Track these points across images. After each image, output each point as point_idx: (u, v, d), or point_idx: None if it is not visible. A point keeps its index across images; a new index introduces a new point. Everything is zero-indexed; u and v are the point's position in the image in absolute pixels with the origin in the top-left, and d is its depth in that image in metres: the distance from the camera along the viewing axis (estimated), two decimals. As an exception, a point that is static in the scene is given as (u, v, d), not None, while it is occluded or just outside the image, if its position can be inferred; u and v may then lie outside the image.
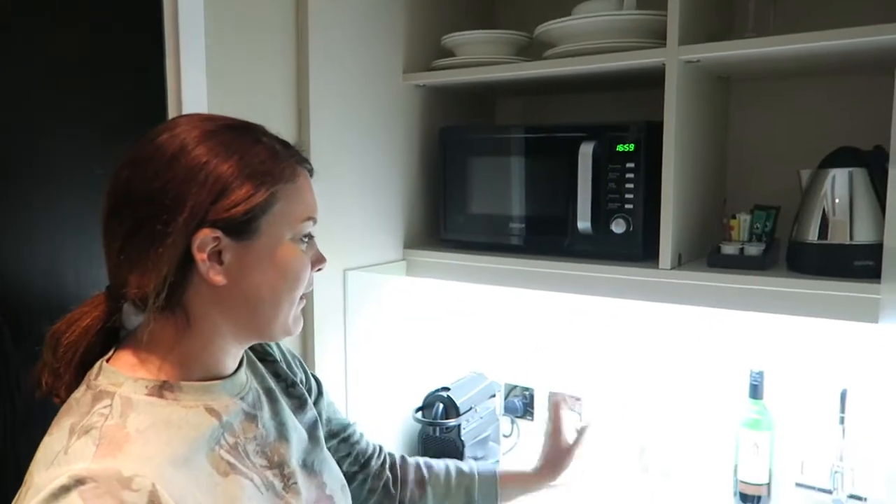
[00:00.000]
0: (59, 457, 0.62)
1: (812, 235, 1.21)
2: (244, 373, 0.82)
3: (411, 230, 1.69)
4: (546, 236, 1.49)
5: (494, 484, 1.13)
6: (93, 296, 0.77)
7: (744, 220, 1.35)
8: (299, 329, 0.81)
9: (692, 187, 1.36)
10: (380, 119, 1.57)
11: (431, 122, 1.71)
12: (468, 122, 1.81)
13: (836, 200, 1.20)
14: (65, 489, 0.59)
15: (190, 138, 0.71)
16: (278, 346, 0.97)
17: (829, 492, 1.44)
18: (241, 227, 0.71)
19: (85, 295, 0.77)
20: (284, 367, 0.94)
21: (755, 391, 1.51)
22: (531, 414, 1.88)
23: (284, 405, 0.88)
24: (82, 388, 0.71)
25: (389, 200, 1.63)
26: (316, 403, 1.00)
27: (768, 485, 1.53)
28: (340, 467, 1.02)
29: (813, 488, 1.47)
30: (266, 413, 0.83)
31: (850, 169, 1.19)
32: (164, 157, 0.70)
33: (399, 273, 1.66)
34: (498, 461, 1.16)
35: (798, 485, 1.48)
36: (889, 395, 0.86)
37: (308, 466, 0.86)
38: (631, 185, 1.35)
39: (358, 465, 1.07)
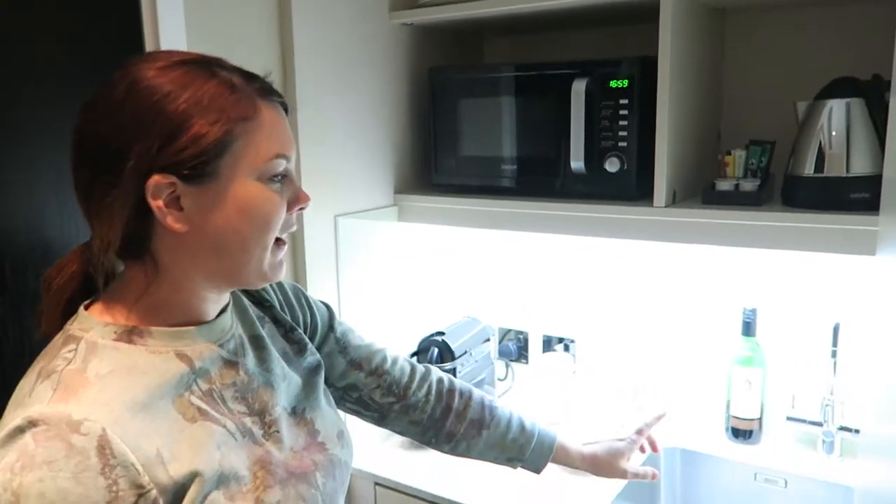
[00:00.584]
0: (24, 399, 0.64)
1: (808, 169, 1.20)
2: (227, 319, 0.78)
3: (402, 175, 1.67)
4: (539, 177, 1.47)
5: (549, 452, 1.08)
6: (70, 252, 0.75)
7: (739, 155, 1.33)
8: (279, 276, 0.76)
9: (687, 123, 1.34)
10: (367, 61, 1.53)
11: (420, 63, 1.67)
12: (457, 63, 1.77)
13: (833, 133, 1.19)
14: (19, 430, 0.60)
15: (139, 77, 0.67)
16: (278, 288, 0.93)
17: (820, 424, 1.47)
18: (195, 171, 0.67)
19: (69, 246, 0.76)
20: (283, 311, 0.90)
21: (748, 328, 1.52)
22: (525, 357, 1.90)
23: (274, 352, 0.84)
24: (60, 332, 0.70)
25: (379, 145, 1.60)
26: (325, 341, 0.97)
27: (760, 419, 1.55)
28: (373, 400, 1.00)
29: (804, 421, 1.49)
30: (250, 360, 0.80)
31: (848, 100, 1.17)
32: (113, 99, 0.67)
33: (390, 219, 1.64)
34: (555, 428, 1.09)
35: (789, 418, 1.50)
36: (884, 326, 0.86)
37: (297, 413, 0.83)
38: (625, 123, 1.32)
39: (393, 395, 1.01)
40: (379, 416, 1.03)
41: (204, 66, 0.70)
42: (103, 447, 0.60)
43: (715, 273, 1.59)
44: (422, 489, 1.39)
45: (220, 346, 0.76)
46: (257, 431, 0.76)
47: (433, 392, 1.04)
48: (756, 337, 1.51)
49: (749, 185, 1.26)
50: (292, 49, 1.36)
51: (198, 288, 0.73)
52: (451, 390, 1.05)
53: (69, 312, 0.72)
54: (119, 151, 0.65)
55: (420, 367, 1.06)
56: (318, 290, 1.47)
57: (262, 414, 0.77)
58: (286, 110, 0.75)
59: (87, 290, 0.74)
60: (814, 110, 1.21)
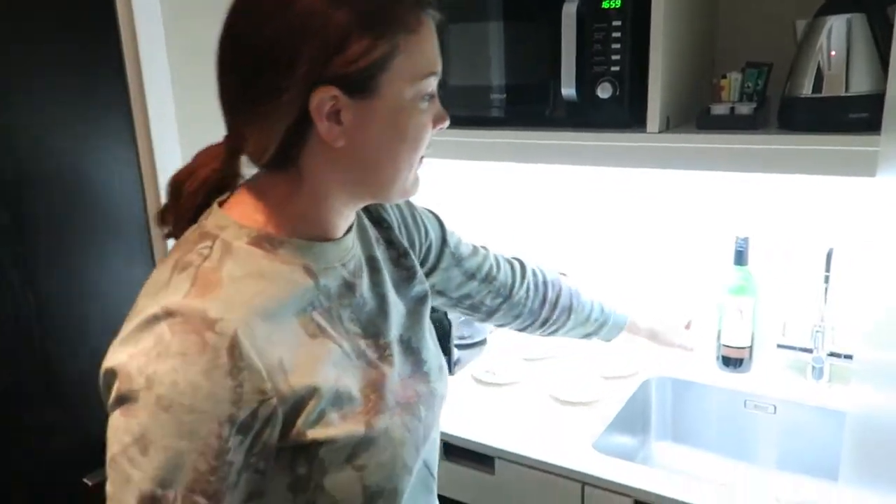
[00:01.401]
0: (161, 289, 0.64)
1: (806, 89, 1.16)
2: (351, 237, 0.78)
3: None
4: (528, 106, 1.42)
5: (622, 328, 1.26)
6: (210, 146, 0.74)
7: (734, 78, 1.29)
8: (417, 191, 0.76)
9: (682, 46, 1.29)
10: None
11: (403, -12, 1.59)
12: (442, -12, 1.69)
13: (833, 52, 1.14)
14: (156, 318, 0.62)
15: None
16: (397, 209, 0.92)
17: (810, 351, 1.47)
18: (360, 85, 0.65)
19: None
20: (399, 233, 0.89)
21: (740, 257, 1.51)
22: (516, 292, 1.88)
23: (387, 277, 0.83)
24: (194, 226, 0.71)
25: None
26: (441, 256, 0.99)
27: (750, 347, 1.56)
28: (484, 304, 1.07)
29: (794, 348, 1.50)
30: (365, 283, 0.79)
31: (849, 15, 1.13)
32: (273, 1, 0.64)
33: (376, 153, 1.59)
34: (626, 309, 1.29)
35: (780, 346, 1.51)
36: (882, 248, 0.84)
37: (405, 342, 0.83)
38: (618, 46, 1.27)
39: (501, 297, 1.09)
40: (487, 315, 1.11)
41: None
42: (234, 348, 0.61)
43: (707, 202, 1.57)
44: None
45: (343, 265, 0.75)
46: (371, 354, 0.76)
47: (531, 288, 1.13)
48: (748, 266, 1.50)
49: (745, 109, 1.22)
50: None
51: (337, 202, 0.73)
52: (545, 282, 1.15)
53: (200, 213, 0.72)
54: (288, 55, 0.63)
55: (516, 264, 1.13)
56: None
57: (376, 337, 0.77)
58: (437, 23, 0.72)
59: (221, 190, 0.73)
60: (813, 28, 1.16)
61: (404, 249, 0.88)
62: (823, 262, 1.41)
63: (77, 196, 1.08)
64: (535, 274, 1.15)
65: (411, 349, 0.83)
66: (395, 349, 0.80)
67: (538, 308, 1.14)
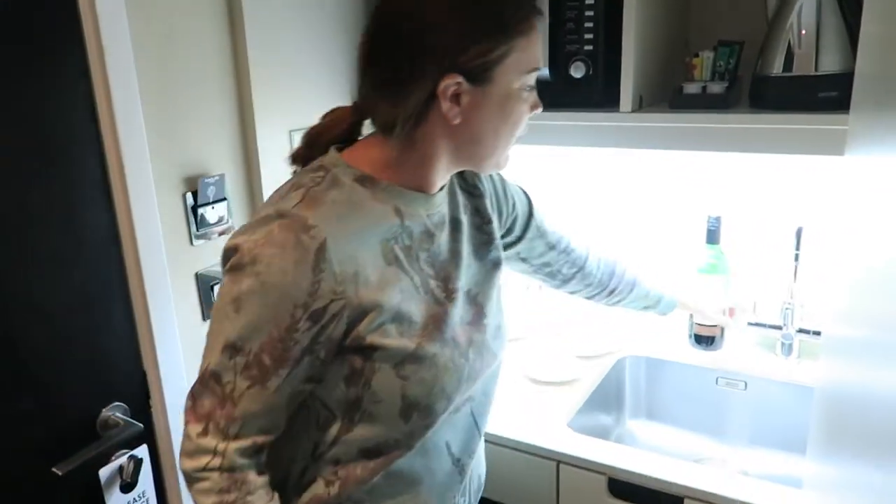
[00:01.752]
0: (279, 200, 0.82)
1: (776, 68, 1.17)
2: (441, 196, 0.91)
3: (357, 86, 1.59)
4: (502, 86, 1.41)
5: (673, 307, 1.37)
6: (337, 108, 0.91)
7: (707, 57, 1.29)
8: (507, 166, 0.92)
9: (655, 25, 1.29)
10: (317, -38, 1.43)
11: (374, -35, 1.57)
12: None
13: (803, 30, 1.15)
14: (269, 218, 0.79)
15: None
16: (490, 182, 1.04)
17: (780, 328, 1.50)
18: (480, 76, 0.80)
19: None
20: (489, 203, 1.01)
21: (712, 236, 1.52)
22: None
23: (466, 238, 0.95)
24: (313, 162, 0.88)
25: (334, 53, 1.52)
26: (527, 227, 1.12)
27: (722, 326, 1.58)
28: (560, 272, 1.21)
29: (764, 325, 1.52)
30: (445, 237, 0.92)
31: (819, -6, 1.13)
32: (431, 9, 0.79)
33: (349, 134, 1.58)
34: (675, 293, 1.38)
35: (750, 324, 1.53)
36: (850, 226, 0.85)
37: (472, 295, 0.95)
38: (591, 25, 1.27)
39: (576, 267, 1.22)
40: (562, 282, 1.24)
41: None
42: (320, 251, 0.77)
43: (679, 182, 1.58)
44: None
45: (428, 216, 0.89)
46: (439, 293, 0.89)
47: (602, 262, 1.25)
48: (720, 245, 1.52)
49: (717, 88, 1.23)
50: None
51: (439, 165, 0.87)
52: (614, 260, 1.28)
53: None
54: (431, 46, 0.78)
55: (590, 242, 1.26)
56: (276, 208, 1.42)
57: (446, 281, 0.90)
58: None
59: (344, 141, 0.90)
60: (784, 6, 1.17)
61: (489, 218, 1.00)
62: (793, 240, 1.42)
63: (35, 177, 1.06)
64: (600, 251, 1.27)
65: (476, 302, 0.95)
66: (461, 297, 0.92)
67: (606, 279, 1.26)
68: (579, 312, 1.68)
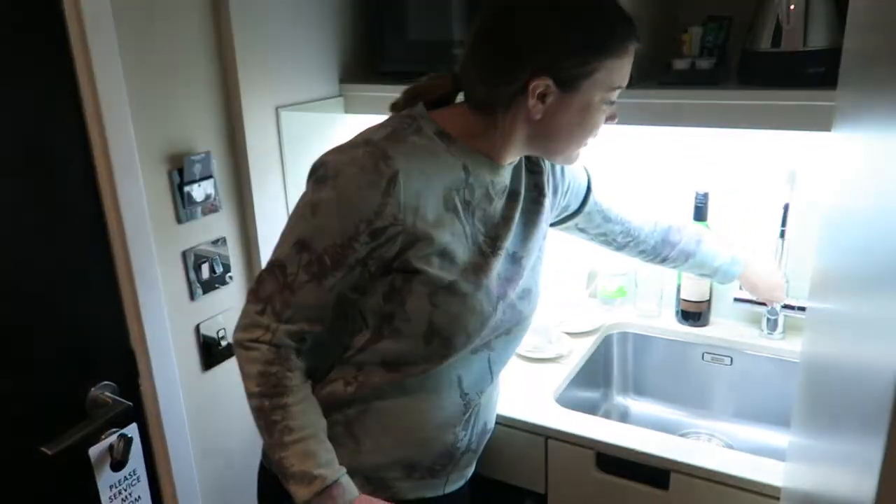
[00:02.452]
0: (370, 132, 0.95)
1: (765, 43, 1.16)
2: (508, 171, 1.01)
3: (347, 63, 1.58)
4: (490, 62, 1.40)
5: (734, 278, 1.40)
6: (437, 75, 1.01)
7: (696, 33, 1.28)
8: (574, 162, 1.02)
9: (645, 2, 1.27)
10: (302, -65, 1.41)
11: (360, -62, 1.54)
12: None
13: (792, 6, 1.14)
14: (357, 144, 0.92)
15: None
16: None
17: (765, 304, 1.51)
18: (568, 83, 0.89)
19: None
20: (546, 180, 1.09)
21: (699, 213, 1.52)
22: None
23: (519, 207, 1.04)
24: (406, 110, 0.98)
25: (321, 29, 1.50)
26: (585, 201, 1.22)
27: (708, 301, 1.59)
28: (615, 241, 1.30)
29: (749, 301, 1.53)
30: (501, 203, 1.01)
31: (808, -31, 1.12)
32: (544, 4, 0.89)
33: (337, 110, 1.56)
34: (739, 266, 1.40)
35: (736, 300, 1.54)
36: (836, 202, 0.86)
37: (515, 257, 1.04)
38: (579, 0, 1.25)
39: (630, 237, 1.31)
40: (617, 248, 1.33)
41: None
42: (392, 179, 0.88)
43: (667, 158, 1.58)
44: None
45: (492, 182, 0.99)
46: (486, 248, 0.99)
47: (657, 230, 1.33)
48: (707, 221, 1.52)
49: (705, 63, 1.23)
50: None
51: (512, 148, 0.97)
52: (670, 229, 1.34)
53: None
54: (535, 47, 0.87)
55: (650, 213, 1.33)
56: (263, 188, 1.41)
57: (494, 239, 1.00)
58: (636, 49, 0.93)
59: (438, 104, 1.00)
60: (774, -19, 1.16)
61: (545, 193, 1.09)
62: (780, 217, 1.43)
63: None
64: (661, 221, 1.34)
65: (518, 262, 1.05)
66: (504, 255, 1.01)
67: (661, 248, 1.34)
68: (567, 286, 1.69)
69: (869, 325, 0.56)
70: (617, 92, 0.94)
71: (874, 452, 0.45)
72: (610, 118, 0.97)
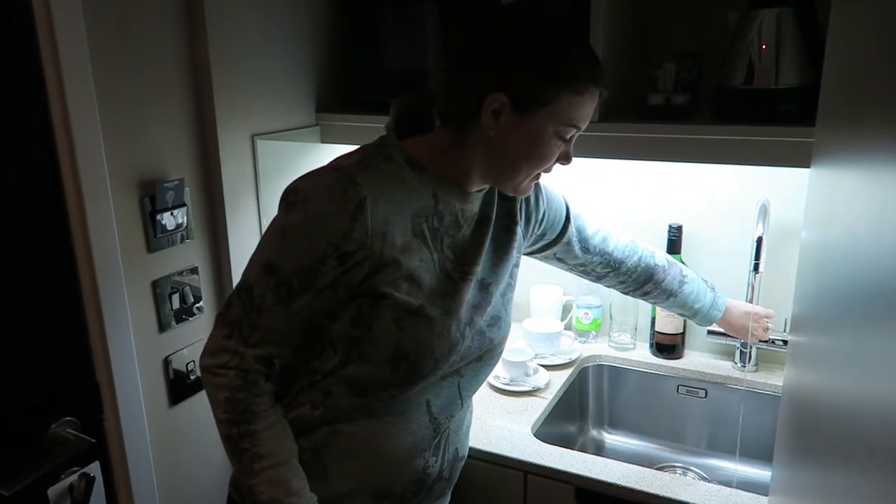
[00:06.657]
0: (340, 159, 0.96)
1: (738, 80, 1.19)
2: (477, 198, 1.02)
3: (323, 92, 1.57)
4: (468, 94, 1.41)
5: (713, 321, 1.38)
6: (417, 93, 1.01)
7: (669, 68, 1.31)
8: (525, 194, 1.03)
9: (618, 39, 1.30)
10: (280, -35, 1.41)
11: (338, -30, 1.55)
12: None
13: (763, 45, 1.18)
14: (327, 170, 0.93)
15: (536, 12, 0.91)
16: None
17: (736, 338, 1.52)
18: (523, 105, 0.89)
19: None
20: (518, 208, 1.09)
21: (673, 245, 1.54)
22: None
23: (489, 235, 1.04)
24: (380, 137, 1.00)
25: (298, 59, 1.49)
26: (564, 231, 1.21)
27: (683, 334, 1.60)
28: (594, 270, 1.28)
29: (723, 334, 1.54)
30: (469, 231, 1.02)
31: (779, 9, 1.16)
32: (514, 23, 0.90)
33: (313, 140, 1.55)
34: (720, 310, 1.38)
35: (710, 332, 1.54)
36: (817, 236, 0.87)
37: (484, 284, 1.04)
38: (557, 35, 1.27)
39: (610, 267, 1.28)
40: (596, 278, 1.31)
41: (569, 27, 0.95)
42: (360, 205, 0.89)
43: (640, 190, 1.60)
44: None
45: (461, 209, 1.00)
46: (454, 274, 0.99)
47: (641, 265, 1.30)
48: (681, 254, 1.54)
49: (681, 98, 1.25)
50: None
51: (474, 173, 0.97)
52: (655, 265, 1.31)
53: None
54: (494, 72, 0.88)
55: (632, 244, 1.30)
56: (237, 217, 1.38)
57: (462, 265, 1.00)
58: (600, 95, 0.94)
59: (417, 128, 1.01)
60: (745, 21, 1.19)
61: (517, 221, 1.09)
62: (752, 250, 1.45)
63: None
64: (650, 256, 1.31)
65: (486, 289, 1.04)
66: (474, 282, 1.01)
67: (642, 283, 1.31)
68: (545, 316, 1.68)
69: (864, 360, 0.56)
70: (572, 131, 0.93)
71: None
72: (563, 157, 0.97)
